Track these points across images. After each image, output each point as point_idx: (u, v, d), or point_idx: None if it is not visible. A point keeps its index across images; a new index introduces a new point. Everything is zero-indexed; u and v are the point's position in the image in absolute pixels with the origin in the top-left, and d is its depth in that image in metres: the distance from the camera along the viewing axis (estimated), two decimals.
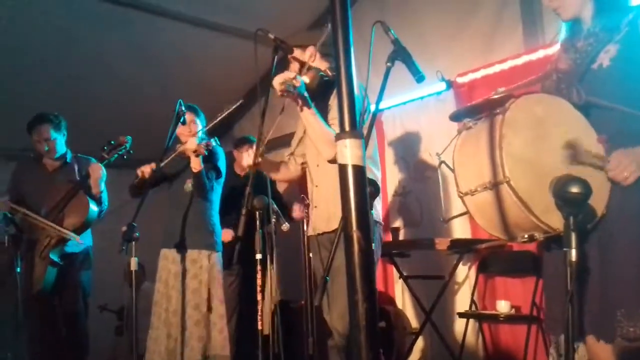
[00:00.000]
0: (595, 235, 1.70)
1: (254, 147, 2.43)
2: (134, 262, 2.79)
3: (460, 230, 3.82)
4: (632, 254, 1.64)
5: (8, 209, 3.23)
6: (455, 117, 1.93)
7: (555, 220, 1.59)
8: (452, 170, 1.88)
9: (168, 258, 3.28)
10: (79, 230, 3.29)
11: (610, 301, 1.64)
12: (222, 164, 3.37)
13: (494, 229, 1.80)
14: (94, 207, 3.32)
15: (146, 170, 3.18)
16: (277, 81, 2.13)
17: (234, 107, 3.08)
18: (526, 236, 1.70)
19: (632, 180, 1.64)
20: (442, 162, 2.07)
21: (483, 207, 1.77)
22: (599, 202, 1.68)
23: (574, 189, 1.47)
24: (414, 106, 4.29)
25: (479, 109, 1.83)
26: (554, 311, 1.82)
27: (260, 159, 2.35)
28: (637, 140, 1.66)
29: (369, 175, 2.36)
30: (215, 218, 3.36)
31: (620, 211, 1.67)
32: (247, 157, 2.53)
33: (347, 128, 1.04)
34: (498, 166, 1.63)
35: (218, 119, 3.13)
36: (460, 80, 3.97)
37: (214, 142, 3.15)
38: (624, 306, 1.62)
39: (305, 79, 2.28)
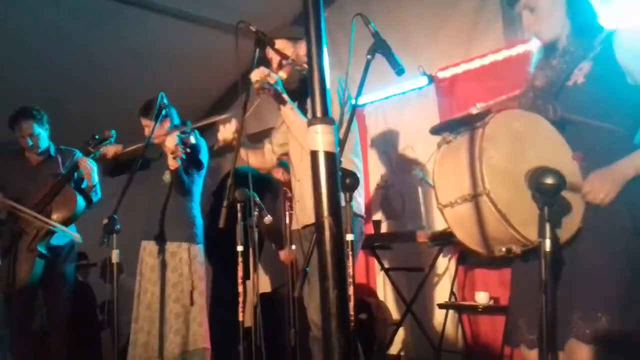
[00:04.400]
0: (567, 251, 1.72)
1: (232, 122, 2.44)
2: (115, 255, 2.78)
3: (441, 222, 3.86)
4: (600, 260, 1.66)
5: (8, 207, 3.20)
6: (435, 131, 1.93)
7: (533, 233, 1.58)
8: (432, 184, 1.88)
9: (146, 250, 3.26)
10: (66, 224, 3.28)
11: (571, 303, 1.66)
12: (204, 157, 3.35)
13: (472, 242, 1.80)
14: (81, 201, 3.30)
15: (110, 150, 3.21)
16: (253, 79, 2.14)
17: (219, 118, 3.09)
18: (504, 249, 1.70)
19: (609, 200, 1.66)
20: (422, 179, 2.08)
21: (462, 220, 1.77)
22: (576, 216, 1.70)
23: (549, 180, 1.50)
24: (396, 101, 4.32)
25: (459, 124, 1.84)
26: (517, 321, 1.84)
27: (235, 137, 2.37)
28: (611, 156, 1.69)
29: (350, 166, 2.40)
30: (196, 210, 3.34)
31: (589, 218, 1.70)
32: (223, 131, 2.52)
33: (318, 114, 1.02)
34: (478, 178, 1.64)
35: (200, 124, 3.14)
36: (441, 75, 4.00)
37: (193, 139, 3.12)
38: (582, 309, 1.64)
39: (282, 74, 2.29)
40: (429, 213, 3.91)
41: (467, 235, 1.80)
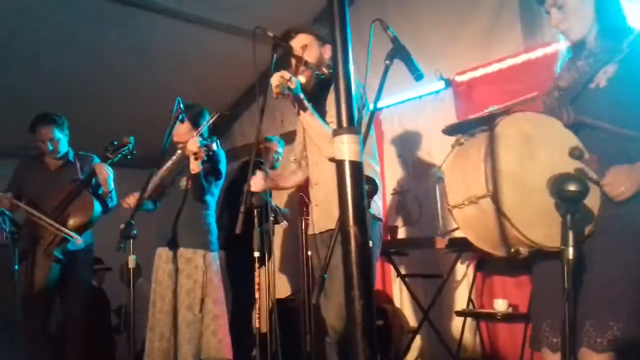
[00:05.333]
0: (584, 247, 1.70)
1: (260, 170, 2.43)
2: (131, 260, 2.78)
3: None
4: (608, 267, 1.64)
5: (8, 205, 3.21)
6: (448, 132, 1.94)
7: (539, 235, 1.61)
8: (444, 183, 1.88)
9: (162, 257, 3.26)
10: (82, 229, 3.29)
11: (582, 311, 1.64)
12: (222, 166, 3.35)
13: (480, 242, 1.80)
14: (98, 206, 3.32)
15: (130, 201, 3.15)
16: (273, 83, 2.13)
17: (215, 116, 3.09)
18: (512, 250, 1.71)
19: (627, 196, 1.64)
20: (439, 177, 2.07)
21: (470, 221, 1.78)
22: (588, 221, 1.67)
23: (572, 187, 1.49)
24: (413, 105, 4.30)
25: (472, 125, 1.84)
26: (540, 323, 1.81)
27: (269, 181, 2.36)
28: (627, 161, 1.65)
29: (369, 171, 2.38)
30: (212, 217, 3.34)
31: (602, 226, 1.67)
32: (254, 183, 2.48)
33: (344, 124, 1.03)
34: (483, 181, 1.65)
35: (208, 122, 3.13)
36: (459, 79, 3.98)
37: (215, 145, 3.13)
38: (594, 317, 1.62)
39: (301, 78, 2.28)
40: (446, 218, 3.86)
41: (475, 236, 1.81)
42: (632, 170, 1.64)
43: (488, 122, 1.74)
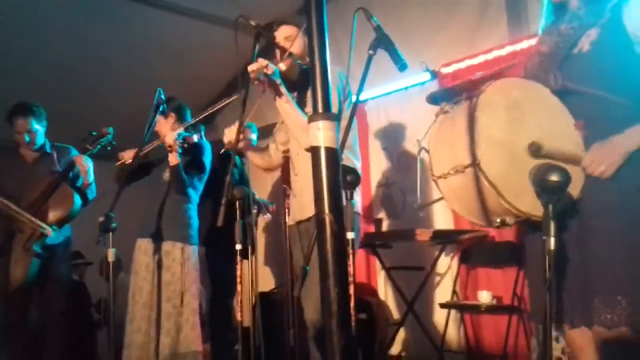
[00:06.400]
0: (574, 221, 1.70)
1: (236, 124, 2.38)
2: (111, 254, 2.73)
3: (443, 221, 3.83)
4: (611, 241, 1.64)
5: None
6: (432, 100, 1.91)
7: (526, 204, 1.60)
8: (428, 154, 1.86)
9: (141, 248, 3.22)
10: (63, 222, 3.23)
11: (589, 288, 1.64)
12: (206, 159, 3.31)
13: (466, 212, 1.79)
14: (78, 199, 3.26)
15: (128, 154, 3.11)
16: (250, 69, 2.10)
17: (229, 100, 3.03)
18: (498, 220, 1.70)
19: (610, 173, 1.64)
20: (422, 148, 2.04)
21: (456, 191, 1.76)
22: (574, 187, 1.66)
23: (554, 177, 1.47)
24: (398, 97, 4.28)
25: (457, 92, 1.82)
26: (536, 299, 1.82)
27: (241, 139, 2.33)
28: (613, 126, 1.65)
29: (349, 165, 2.35)
30: (193, 211, 3.29)
31: (598, 198, 1.66)
32: (228, 133, 2.48)
33: (320, 109, 1.00)
34: (470, 149, 1.62)
35: (209, 111, 3.07)
36: (444, 70, 3.97)
37: (196, 137, 3.08)
38: (602, 293, 1.62)
39: (282, 66, 2.24)
40: (431, 211, 3.86)
41: (461, 206, 1.79)
42: (612, 146, 1.64)
43: (474, 89, 1.72)
